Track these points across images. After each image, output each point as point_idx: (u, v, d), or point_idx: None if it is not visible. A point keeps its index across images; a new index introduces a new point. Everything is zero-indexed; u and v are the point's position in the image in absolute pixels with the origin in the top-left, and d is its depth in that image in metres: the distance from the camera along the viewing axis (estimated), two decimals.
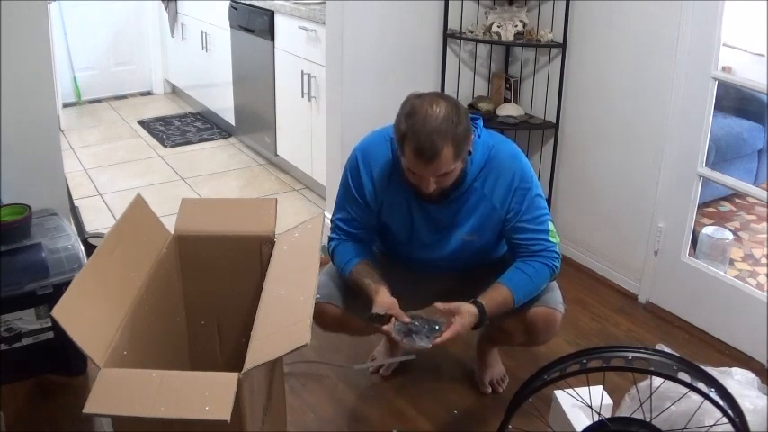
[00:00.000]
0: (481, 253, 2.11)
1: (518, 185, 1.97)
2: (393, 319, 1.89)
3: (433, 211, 2.01)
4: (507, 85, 3.27)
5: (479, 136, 1.96)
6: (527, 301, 2.02)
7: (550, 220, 2.03)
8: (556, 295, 2.09)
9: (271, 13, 3.84)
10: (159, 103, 5.69)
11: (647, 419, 1.58)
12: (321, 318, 2.06)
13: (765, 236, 3.61)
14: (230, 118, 4.67)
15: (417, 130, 1.78)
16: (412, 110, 1.81)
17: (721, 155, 3.61)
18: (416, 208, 2.02)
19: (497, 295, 1.94)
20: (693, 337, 2.64)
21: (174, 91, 5.83)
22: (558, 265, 2.01)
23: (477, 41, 3.12)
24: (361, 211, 2.04)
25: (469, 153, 1.90)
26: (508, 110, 3.19)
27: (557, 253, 2.01)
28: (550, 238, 2.00)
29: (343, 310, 2.08)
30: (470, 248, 2.07)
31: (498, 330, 2.11)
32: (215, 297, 1.96)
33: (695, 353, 2.50)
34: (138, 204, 1.87)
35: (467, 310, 1.89)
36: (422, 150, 1.78)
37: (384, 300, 1.94)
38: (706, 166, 2.62)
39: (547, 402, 2.05)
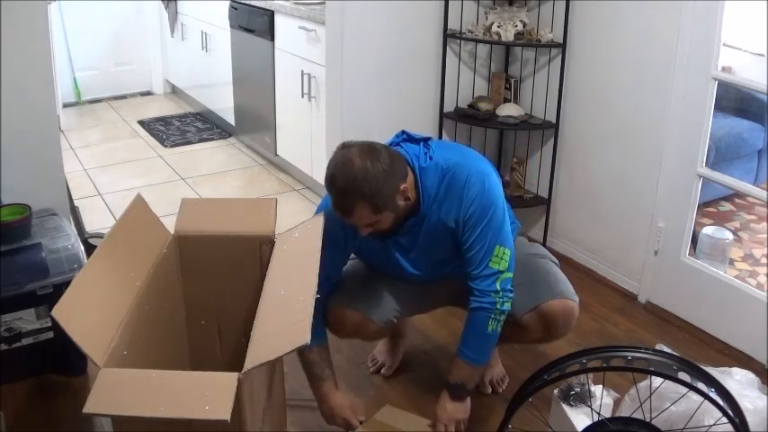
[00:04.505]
0: (462, 264, 2.02)
1: (470, 209, 1.90)
2: None
3: (398, 238, 2.00)
4: (507, 85, 3.27)
5: (431, 158, 1.91)
6: (536, 295, 2.01)
7: (499, 244, 1.91)
8: (567, 285, 2.07)
9: (271, 13, 3.84)
10: (159, 103, 5.69)
11: (647, 419, 1.58)
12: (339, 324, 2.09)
13: (765, 236, 3.61)
14: (230, 118, 4.67)
15: (332, 184, 1.80)
16: (332, 162, 1.82)
17: (721, 155, 3.61)
18: (390, 241, 2.01)
19: (459, 371, 1.99)
20: (693, 337, 2.64)
21: (174, 91, 5.83)
22: (496, 300, 1.91)
23: (477, 41, 3.12)
24: (334, 260, 2.02)
25: (408, 198, 1.86)
26: (508, 110, 3.19)
27: (494, 288, 1.91)
28: (491, 266, 1.91)
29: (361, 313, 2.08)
30: (448, 263, 2.05)
31: (515, 326, 2.07)
32: (215, 297, 1.96)
33: (695, 353, 2.51)
34: (138, 204, 1.87)
35: (441, 402, 2.02)
36: (336, 206, 1.82)
37: (341, 403, 2.03)
38: (706, 166, 2.62)
39: (547, 402, 2.05)
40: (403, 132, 1.97)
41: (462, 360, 1.98)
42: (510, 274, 1.93)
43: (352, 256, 2.19)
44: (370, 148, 1.82)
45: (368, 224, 1.85)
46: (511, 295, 1.94)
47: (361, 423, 2.05)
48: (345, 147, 1.83)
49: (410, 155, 1.90)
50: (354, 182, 1.76)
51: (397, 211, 1.87)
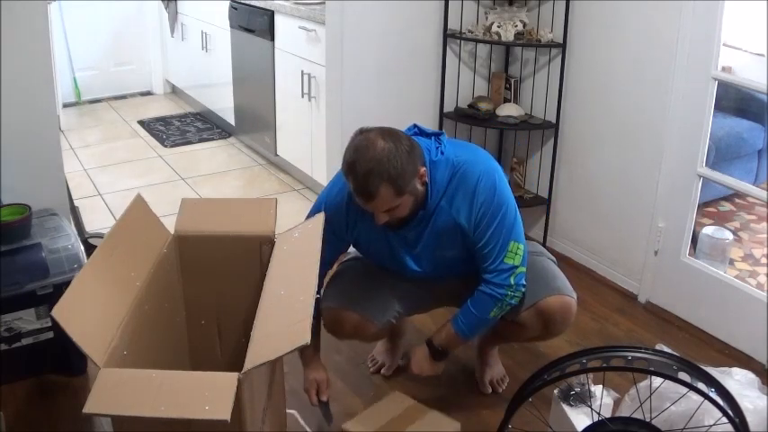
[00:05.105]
0: (466, 262, 2.05)
1: (482, 208, 1.92)
2: None
3: (405, 232, 2.00)
4: (507, 85, 3.27)
5: (442, 153, 1.92)
6: (534, 293, 2.01)
7: (513, 240, 1.94)
8: (564, 281, 2.07)
9: (271, 13, 3.84)
10: (159, 103, 5.69)
11: (647, 419, 1.58)
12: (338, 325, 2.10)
13: (765, 236, 3.61)
14: (230, 118, 4.67)
15: (354, 169, 1.79)
16: (351, 147, 1.82)
17: (721, 155, 3.61)
18: (392, 233, 2.02)
19: (447, 337, 2.03)
20: (693, 337, 2.64)
21: (174, 91, 5.83)
22: (507, 293, 1.94)
23: (477, 41, 3.12)
24: (333, 247, 2.03)
25: (425, 184, 1.89)
26: (508, 110, 3.19)
27: (508, 282, 1.94)
28: (506, 261, 1.93)
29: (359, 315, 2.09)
30: (453, 261, 2.05)
31: (513, 324, 2.08)
32: (215, 297, 1.96)
33: (695, 353, 2.51)
34: (138, 204, 1.87)
35: (418, 350, 2.09)
36: (359, 190, 1.81)
37: (307, 377, 2.09)
38: (706, 166, 2.62)
39: (547, 402, 2.05)
40: (414, 126, 1.98)
41: (454, 329, 2.01)
42: (524, 269, 1.96)
43: (349, 255, 2.20)
44: (390, 131, 1.84)
45: (388, 209, 1.85)
46: (523, 290, 1.97)
47: (321, 402, 2.07)
48: (364, 132, 1.84)
49: (422, 148, 1.90)
50: (380, 163, 1.76)
51: (416, 194, 1.89)
